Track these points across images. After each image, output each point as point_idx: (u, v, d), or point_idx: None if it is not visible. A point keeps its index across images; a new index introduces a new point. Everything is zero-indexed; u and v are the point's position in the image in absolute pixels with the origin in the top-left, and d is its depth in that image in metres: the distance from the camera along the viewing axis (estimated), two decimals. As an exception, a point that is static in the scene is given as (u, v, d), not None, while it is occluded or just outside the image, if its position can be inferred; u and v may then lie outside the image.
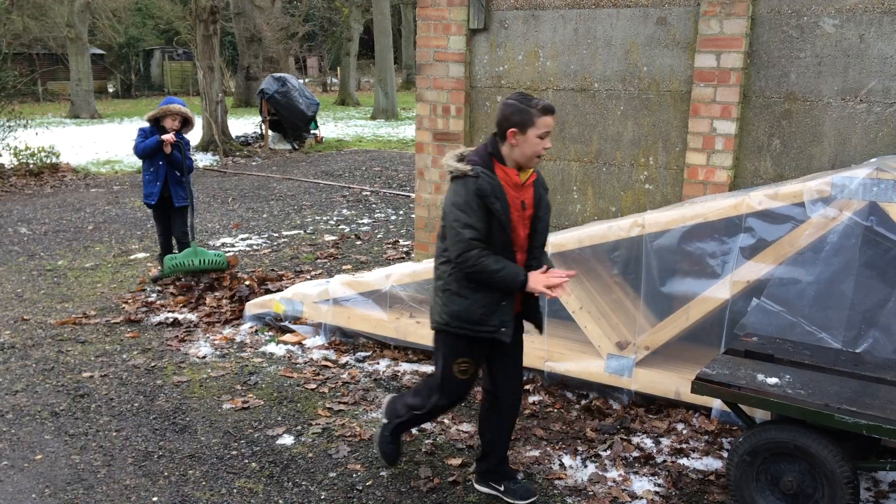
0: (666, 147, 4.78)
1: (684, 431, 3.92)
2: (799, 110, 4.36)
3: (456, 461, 3.66)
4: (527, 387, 4.45)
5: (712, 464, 3.62)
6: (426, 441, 3.86)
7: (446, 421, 4.06)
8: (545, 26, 5.08)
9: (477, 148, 3.13)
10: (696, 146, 4.59)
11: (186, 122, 6.21)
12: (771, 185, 4.04)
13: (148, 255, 7.46)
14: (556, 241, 4.34)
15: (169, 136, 5.99)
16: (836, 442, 2.90)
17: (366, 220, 9.25)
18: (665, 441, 3.84)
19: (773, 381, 3.10)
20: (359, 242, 8.09)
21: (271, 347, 5.07)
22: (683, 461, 3.65)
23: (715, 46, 4.46)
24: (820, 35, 4.25)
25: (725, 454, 3.67)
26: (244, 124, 19.65)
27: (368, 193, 11.17)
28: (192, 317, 5.62)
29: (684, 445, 3.79)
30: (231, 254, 7.37)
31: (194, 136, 6.03)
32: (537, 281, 3.04)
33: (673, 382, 4.03)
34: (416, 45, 5.56)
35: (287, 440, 3.88)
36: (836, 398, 2.92)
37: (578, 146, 5.08)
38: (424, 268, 4.85)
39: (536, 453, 3.74)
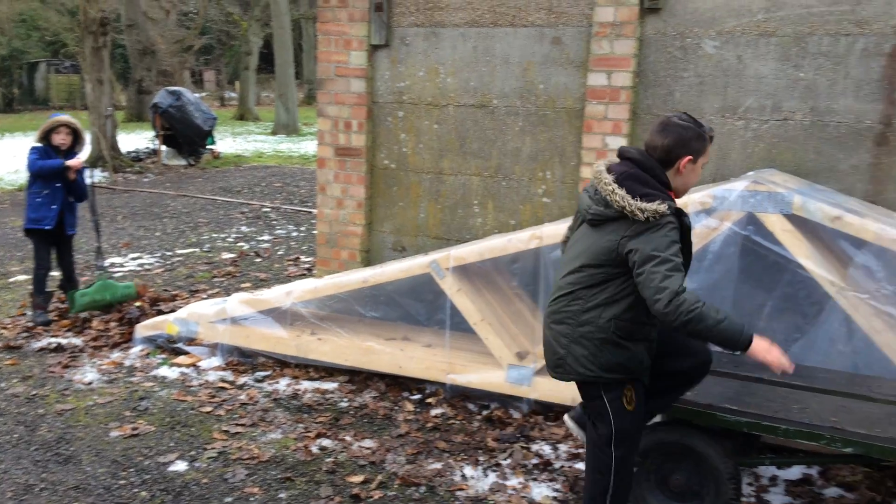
0: (562, 161, 4.93)
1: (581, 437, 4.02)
2: (684, 127, 4.59)
3: (357, 478, 3.63)
4: (429, 400, 4.47)
5: (609, 467, 3.73)
6: (327, 460, 3.81)
7: (348, 438, 4.02)
8: (445, 43, 5.17)
9: (634, 174, 2.68)
10: (590, 161, 4.76)
11: (77, 138, 5.84)
12: (659, 198, 4.22)
13: (28, 277, 7.06)
14: (458, 254, 4.39)
15: (75, 162, 5.63)
16: (719, 440, 3.04)
17: (266, 237, 9.09)
18: (563, 447, 3.93)
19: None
20: (258, 260, 7.93)
21: (163, 370, 4.88)
22: (580, 465, 3.75)
23: (606, 66, 4.65)
24: (702, 56, 4.50)
25: (621, 458, 3.78)
26: (136, 139, 18.95)
27: (269, 210, 10.97)
28: (78, 341, 5.34)
29: (581, 450, 3.89)
30: (135, 280, 7.07)
31: (82, 152, 5.71)
32: (767, 350, 2.59)
33: (570, 389, 4.12)
34: (317, 59, 5.53)
35: (180, 466, 3.74)
36: (719, 398, 3.07)
37: (479, 161, 5.18)
38: (326, 284, 4.81)
39: (439, 466, 3.75)
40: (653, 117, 4.65)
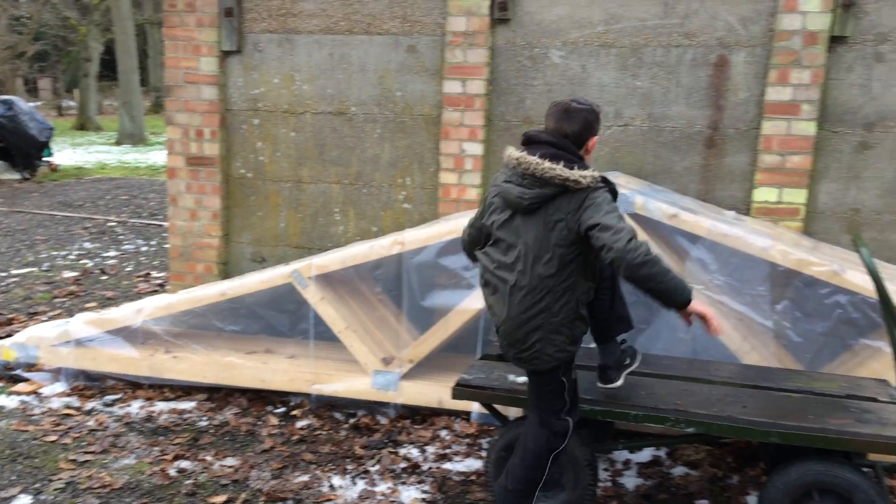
0: (421, 168, 5.00)
1: (447, 437, 4.09)
2: (535, 133, 4.78)
3: (220, 498, 3.51)
4: (294, 412, 4.39)
5: (473, 464, 3.81)
6: (186, 482, 3.65)
7: (208, 457, 3.88)
8: (300, 50, 5.11)
9: (557, 153, 2.72)
10: (448, 166, 4.86)
11: None
12: (514, 202, 4.38)
13: None
14: (320, 262, 4.35)
15: None
16: (576, 430, 3.18)
17: (112, 253, 8.59)
18: (430, 449, 3.98)
19: (522, 379, 3.34)
20: (104, 277, 7.48)
21: (1, 400, 4.51)
22: (447, 465, 3.81)
23: (461, 74, 4.77)
24: (549, 65, 4.71)
25: (484, 454, 3.88)
26: (-37, 152, 17.37)
27: (115, 224, 10.38)
28: None
29: (448, 451, 3.95)
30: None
31: None
32: (704, 307, 2.67)
33: (436, 392, 4.20)
34: (165, 66, 5.31)
35: (24, 500, 3.47)
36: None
37: (338, 168, 5.15)
38: (181, 299, 4.62)
39: (306, 478, 3.69)
40: (506, 123, 4.81)
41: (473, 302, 4.15)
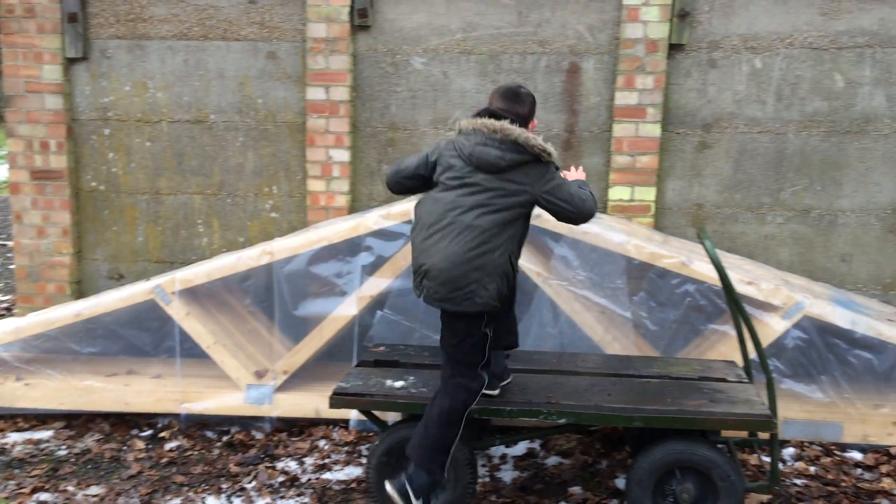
0: (287, 176, 4.93)
1: (326, 447, 4.06)
2: (401, 138, 4.84)
3: (88, 527, 3.32)
4: (162, 434, 4.21)
5: (353, 472, 3.80)
6: (49, 513, 3.43)
7: (70, 488, 3.66)
8: (152, 57, 4.91)
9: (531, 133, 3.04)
10: (315, 174, 4.82)
11: None
12: (384, 207, 4.41)
13: None
14: (184, 277, 4.20)
15: None
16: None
17: (-51, 276, 7.88)
18: (309, 460, 3.94)
19: (399, 384, 3.38)
20: (-59, 302, 6.86)
21: None
22: (327, 475, 3.78)
23: (323, 80, 4.74)
24: (412, 72, 4.78)
25: (364, 460, 3.89)
26: None
27: (-50, 245, 9.53)
28: None
29: (327, 460, 3.92)
30: None
31: None
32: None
33: (312, 402, 4.16)
34: (4, 74, 4.95)
35: None
36: (452, 390, 3.28)
37: (200, 178, 4.99)
38: (31, 322, 4.32)
39: (177, 501, 3.55)
40: (372, 130, 4.83)
41: (347, 308, 4.14)
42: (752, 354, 3.76)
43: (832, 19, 4.44)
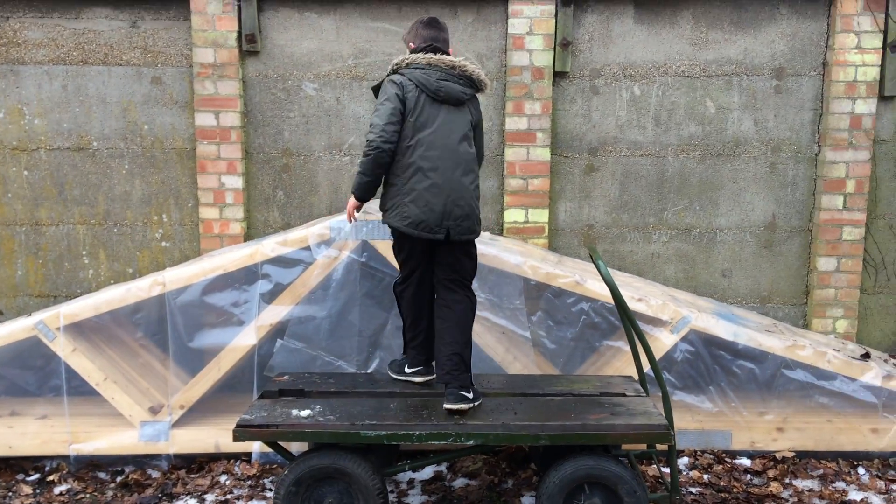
0: (178, 203, 4.79)
1: (227, 482, 3.95)
2: (296, 164, 4.80)
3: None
4: (51, 478, 3.98)
5: (260, 506, 3.73)
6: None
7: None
8: (28, 82, 4.66)
9: None
10: (207, 201, 4.71)
11: None
12: (281, 233, 4.36)
13: None
14: (69, 311, 4.00)
15: None
16: (365, 457, 3.26)
17: None
18: (210, 497, 3.82)
19: (306, 413, 3.35)
20: None
21: None
22: (233, 512, 3.69)
23: (213, 106, 4.65)
24: (304, 97, 4.76)
25: (270, 493, 3.81)
26: None
27: None
28: None
29: (229, 496, 3.82)
30: None
31: None
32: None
33: (212, 436, 4.04)
34: None
35: None
36: (360, 417, 3.29)
37: (83, 208, 4.76)
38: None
39: (73, 548, 3.37)
40: (265, 156, 4.77)
41: (246, 338, 4.06)
42: (646, 368, 3.97)
43: (701, 49, 4.78)
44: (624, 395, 3.59)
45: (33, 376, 4.23)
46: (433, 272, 3.50)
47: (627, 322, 3.39)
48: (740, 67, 4.80)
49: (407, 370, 3.72)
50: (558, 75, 4.77)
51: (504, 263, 4.12)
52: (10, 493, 3.85)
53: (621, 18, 4.75)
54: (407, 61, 3.34)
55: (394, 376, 3.76)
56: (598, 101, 4.81)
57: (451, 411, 3.28)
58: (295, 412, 3.36)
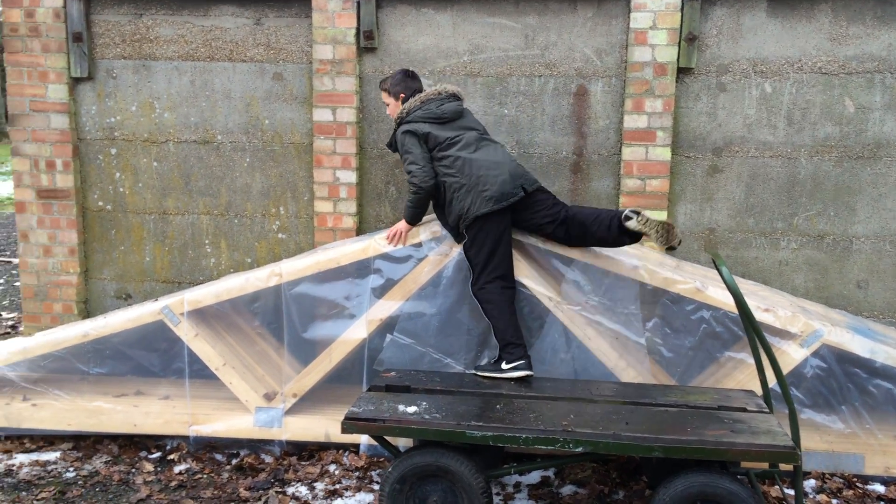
0: (295, 196, 4.92)
1: (336, 472, 4.02)
2: (409, 160, 4.82)
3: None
4: (171, 456, 4.17)
5: (365, 498, 3.76)
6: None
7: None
8: (159, 77, 4.90)
9: None
10: (322, 195, 4.80)
11: None
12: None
13: None
14: (193, 297, 4.17)
15: None
16: (469, 457, 3.23)
17: (-51, 293, 7.83)
18: (319, 485, 3.90)
19: (412, 409, 3.35)
20: (-58, 319, 6.80)
21: None
22: (338, 502, 3.74)
23: (330, 102, 4.74)
24: (420, 94, 4.76)
25: (377, 487, 3.85)
26: None
27: (-51, 260, 9.47)
28: None
29: (338, 486, 3.88)
30: None
31: None
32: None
33: (322, 425, 4.12)
34: (8, 93, 4.93)
35: None
36: (465, 416, 3.26)
37: (207, 199, 4.97)
38: (38, 342, 4.28)
39: (189, 526, 3.51)
40: (379, 151, 4.82)
41: (357, 331, 4.11)
42: (771, 383, 3.73)
43: (840, 44, 4.46)
44: (745, 410, 3.40)
45: (158, 358, 4.45)
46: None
47: (753, 333, 3.20)
48: (884, 65, 4.44)
49: (504, 366, 3.85)
50: (682, 71, 4.57)
51: (619, 266, 3.99)
52: (134, 470, 4.06)
53: (753, 12, 4.50)
54: (406, 109, 4.06)
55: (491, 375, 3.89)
56: (725, 98, 4.58)
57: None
58: (402, 408, 3.37)
